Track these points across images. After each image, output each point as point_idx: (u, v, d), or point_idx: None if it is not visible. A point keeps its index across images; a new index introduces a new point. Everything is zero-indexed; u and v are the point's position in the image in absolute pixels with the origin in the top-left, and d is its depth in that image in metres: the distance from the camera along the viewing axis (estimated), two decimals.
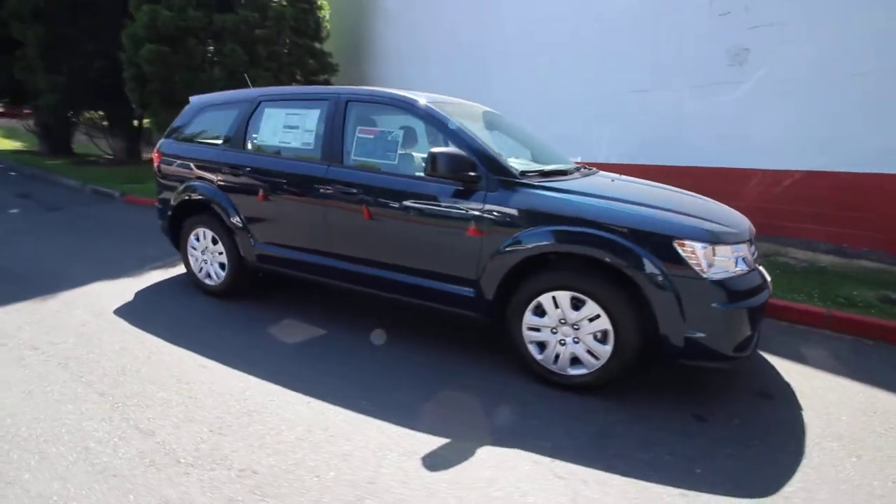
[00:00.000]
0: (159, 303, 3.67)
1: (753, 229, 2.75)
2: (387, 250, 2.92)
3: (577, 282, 2.41)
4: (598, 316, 2.38)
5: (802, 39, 4.98)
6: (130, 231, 5.91)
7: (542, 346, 2.58)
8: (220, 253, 3.62)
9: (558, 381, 2.55)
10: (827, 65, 4.87)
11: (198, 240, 3.74)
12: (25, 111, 14.64)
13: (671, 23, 5.82)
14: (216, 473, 1.89)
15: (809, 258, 5.00)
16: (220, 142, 3.61)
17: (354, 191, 2.93)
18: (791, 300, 3.81)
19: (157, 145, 4.01)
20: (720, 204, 3.00)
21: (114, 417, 2.23)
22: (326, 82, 9.93)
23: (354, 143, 3.00)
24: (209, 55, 8.68)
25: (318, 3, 9.39)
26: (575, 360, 2.50)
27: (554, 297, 2.47)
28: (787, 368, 2.94)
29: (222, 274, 3.66)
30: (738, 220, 2.68)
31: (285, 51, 9.17)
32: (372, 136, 2.98)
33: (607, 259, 2.33)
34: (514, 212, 2.53)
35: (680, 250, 2.24)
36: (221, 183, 3.50)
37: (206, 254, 3.72)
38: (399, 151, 2.89)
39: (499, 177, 2.60)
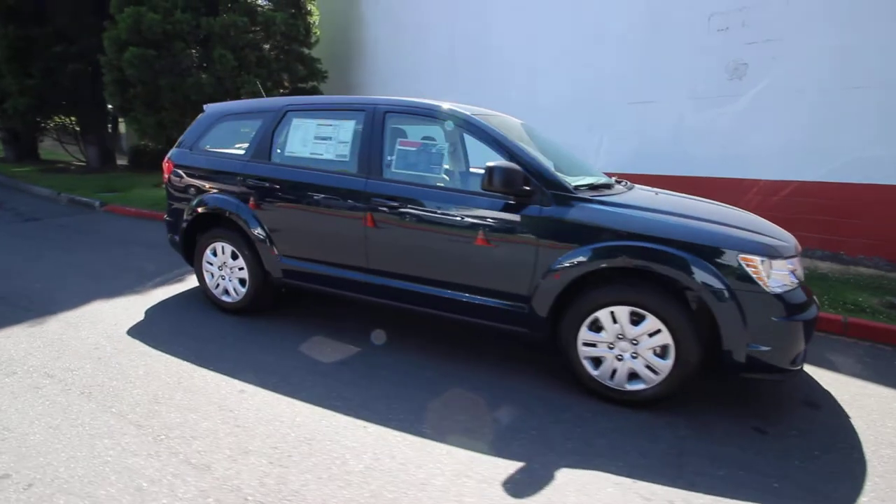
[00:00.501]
0: (173, 322, 3.46)
1: (799, 245, 2.81)
2: (431, 265, 2.84)
3: (636, 297, 2.39)
4: (658, 331, 2.37)
5: (799, 54, 5.19)
6: (120, 243, 5.59)
7: (597, 361, 2.55)
8: (241, 268, 3.45)
9: (615, 396, 2.53)
10: (823, 78, 5.09)
11: (215, 254, 3.55)
12: None
13: (670, 37, 5.98)
14: None
15: (808, 265, 5.18)
16: (241, 152, 3.43)
17: (396, 204, 2.84)
18: None
19: (168, 155, 3.78)
20: (762, 218, 3.04)
21: (160, 452, 2.06)
22: (314, 89, 9.75)
23: (395, 155, 2.91)
24: (196, 59, 8.39)
25: (308, 8, 9.23)
26: (633, 376, 2.49)
27: (612, 313, 2.45)
28: (820, 376, 3.02)
29: (242, 290, 3.49)
30: (787, 235, 2.72)
31: (273, 55, 8.96)
32: (414, 149, 2.90)
33: (673, 275, 2.33)
34: (571, 227, 2.50)
35: (745, 265, 2.26)
36: (244, 195, 3.33)
37: (225, 269, 3.53)
38: (444, 164, 2.82)
39: (553, 191, 2.56)
